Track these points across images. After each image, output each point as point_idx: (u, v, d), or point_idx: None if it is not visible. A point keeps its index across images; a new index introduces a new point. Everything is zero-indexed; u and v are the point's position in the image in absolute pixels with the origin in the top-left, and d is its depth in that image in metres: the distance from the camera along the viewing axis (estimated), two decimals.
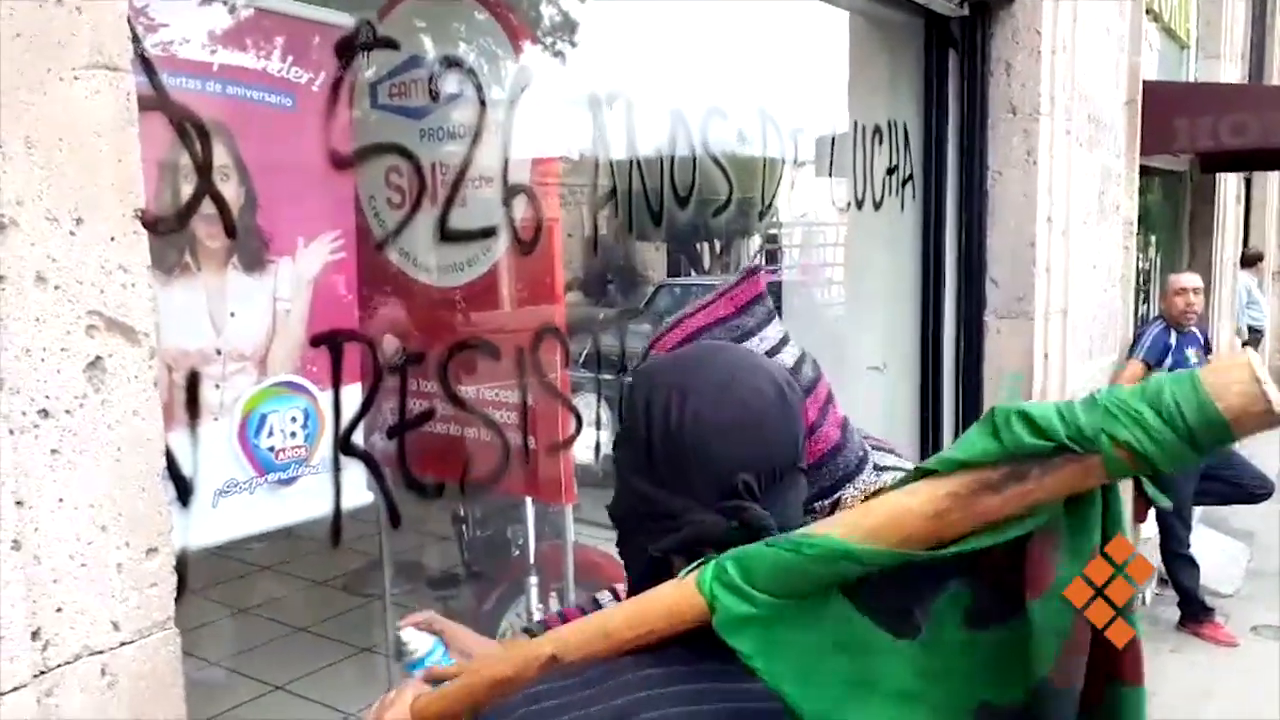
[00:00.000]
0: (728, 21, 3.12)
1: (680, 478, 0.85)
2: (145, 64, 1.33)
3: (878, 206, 3.34)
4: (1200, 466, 4.79)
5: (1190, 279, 4.88)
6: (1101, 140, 4.21)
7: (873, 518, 0.76)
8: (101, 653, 0.94)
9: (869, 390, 3.51)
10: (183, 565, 1.06)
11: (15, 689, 0.86)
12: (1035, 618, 0.76)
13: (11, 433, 0.85)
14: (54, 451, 0.89)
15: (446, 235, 1.92)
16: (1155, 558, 4.91)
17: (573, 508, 2.53)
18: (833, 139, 3.41)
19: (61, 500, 0.89)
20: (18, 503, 0.86)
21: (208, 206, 1.58)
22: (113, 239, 0.92)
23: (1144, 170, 7.01)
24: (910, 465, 0.94)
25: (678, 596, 0.80)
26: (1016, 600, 0.77)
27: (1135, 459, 0.70)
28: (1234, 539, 6.23)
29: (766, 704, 0.76)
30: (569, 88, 2.40)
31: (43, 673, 0.89)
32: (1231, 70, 7.62)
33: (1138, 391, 0.71)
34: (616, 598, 1.37)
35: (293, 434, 1.85)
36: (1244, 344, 8.84)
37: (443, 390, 1.93)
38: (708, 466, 0.84)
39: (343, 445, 1.70)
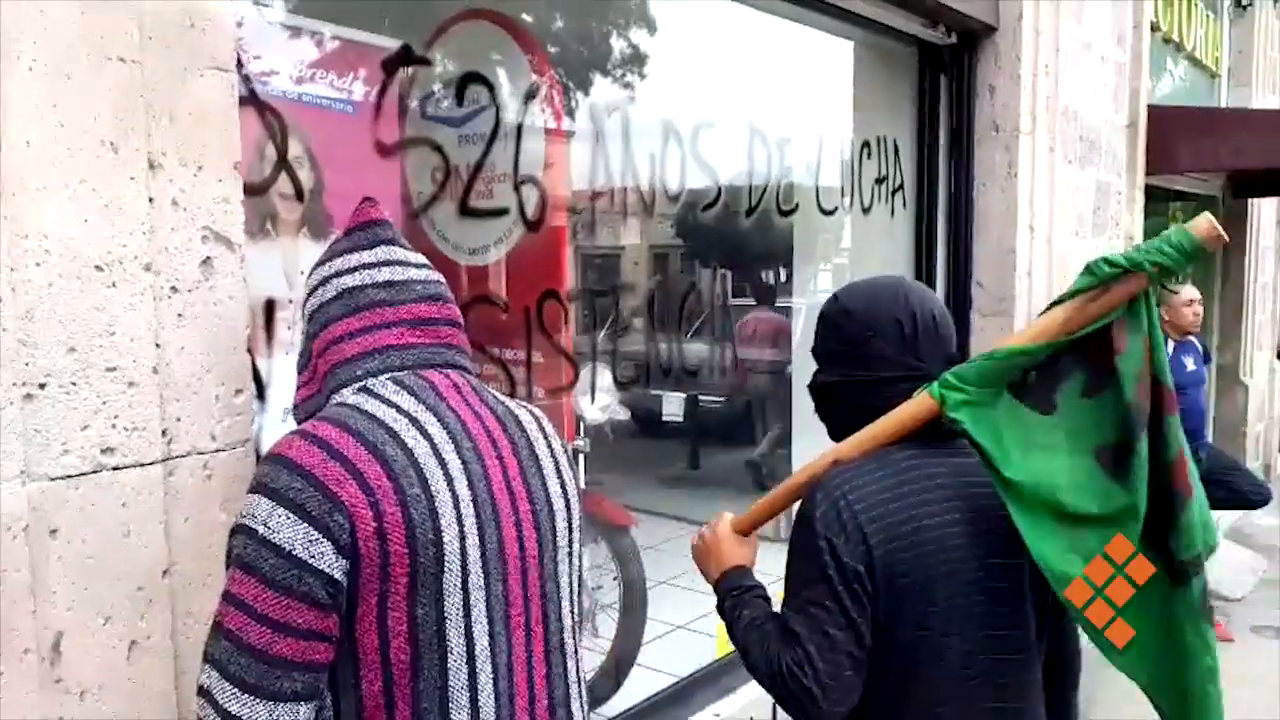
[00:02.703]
0: (736, 45, 3.58)
1: (929, 352, 1.42)
2: (245, 77, 1.83)
3: (866, 211, 3.75)
4: (1200, 472, 5.03)
5: (1193, 291, 5.12)
6: (1096, 159, 4.54)
7: (1032, 331, 1.35)
8: (204, 454, 1.41)
9: None
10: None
11: (151, 463, 1.34)
12: (1120, 366, 1.30)
13: (155, 299, 1.34)
14: (179, 315, 1.37)
15: (469, 213, 2.41)
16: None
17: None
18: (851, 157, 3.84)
19: (183, 348, 1.37)
20: (156, 344, 1.34)
21: (285, 186, 2.08)
22: (220, 180, 1.41)
23: (1175, 195, 7.26)
24: None
25: (918, 405, 1.37)
26: (1111, 374, 1.31)
27: (1161, 270, 1.28)
28: (1256, 552, 6.39)
29: (973, 459, 1.35)
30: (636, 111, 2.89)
31: (167, 459, 1.36)
32: (1268, 98, 7.81)
33: (1160, 239, 1.30)
34: None
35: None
36: None
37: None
38: (946, 344, 1.45)
39: None
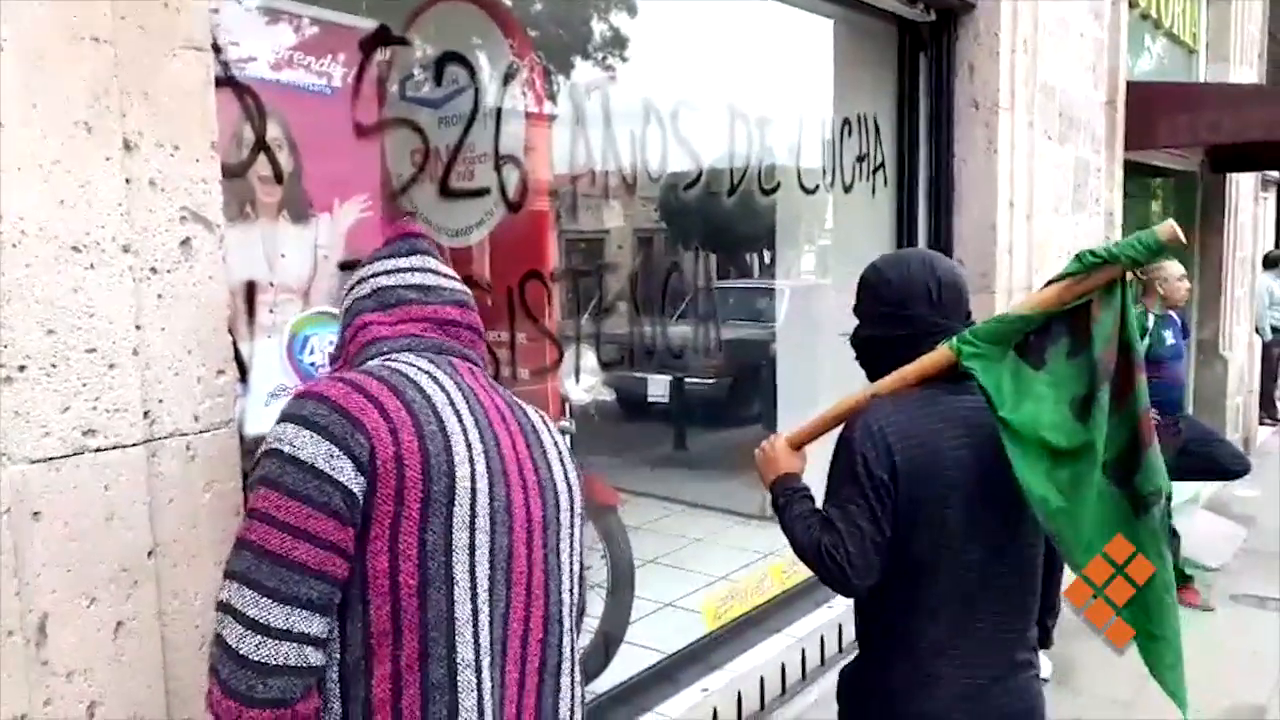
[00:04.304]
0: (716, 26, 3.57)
1: (951, 312, 1.77)
2: (224, 62, 1.83)
3: (847, 190, 3.76)
4: (1180, 444, 5.09)
5: (1181, 267, 5.17)
6: (1075, 135, 4.56)
7: (1032, 301, 1.72)
8: (187, 435, 1.41)
9: (848, 353, 3.91)
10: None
11: (134, 444, 1.34)
12: (1094, 330, 1.65)
13: (134, 280, 1.34)
14: (159, 296, 1.37)
15: (450, 194, 2.40)
16: None
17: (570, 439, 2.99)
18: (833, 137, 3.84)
19: (163, 329, 1.37)
20: (137, 326, 1.34)
21: (263, 168, 2.07)
22: (197, 160, 1.40)
23: (1153, 171, 7.29)
24: None
25: (940, 355, 1.71)
26: (1088, 338, 1.65)
27: (1133, 262, 1.60)
28: (1235, 522, 6.47)
29: (980, 401, 1.66)
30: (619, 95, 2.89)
31: (149, 440, 1.36)
32: (1245, 73, 7.84)
33: (1133, 237, 1.61)
34: None
35: (329, 354, 2.33)
36: (1265, 345, 8.98)
37: None
38: (964, 304, 1.80)
39: None
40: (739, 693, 2.97)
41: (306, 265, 2.28)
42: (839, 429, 1.82)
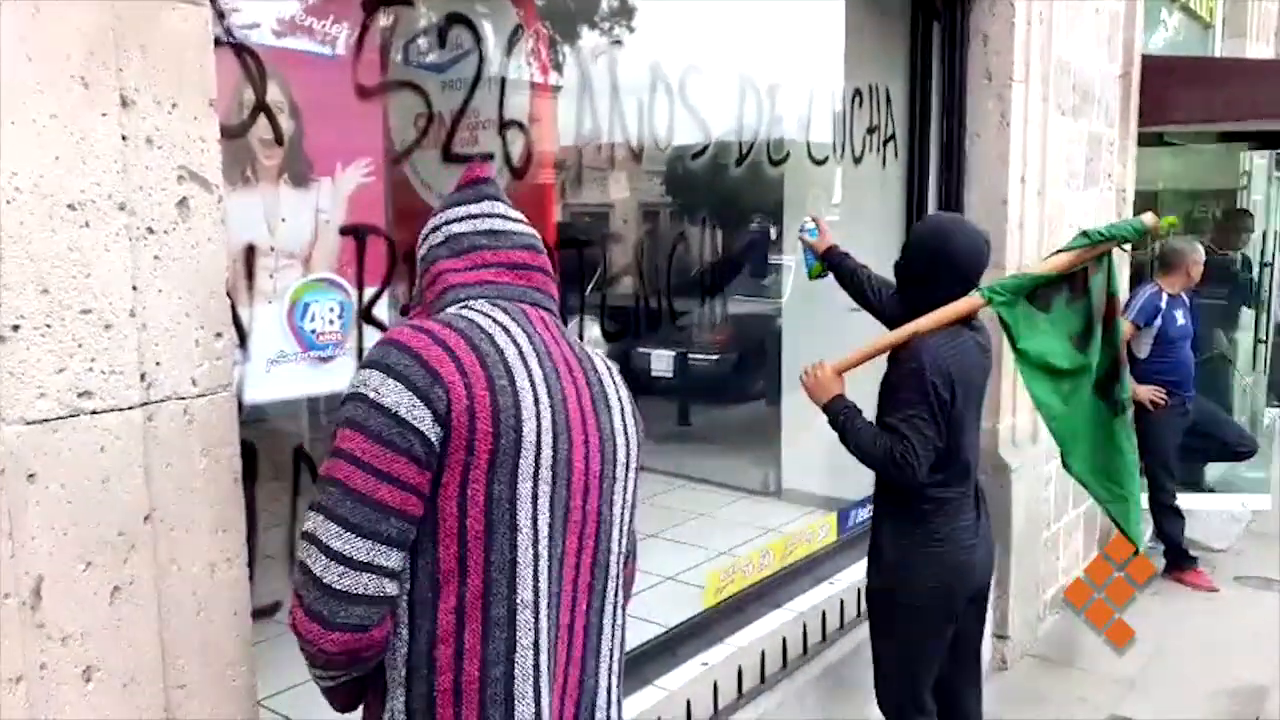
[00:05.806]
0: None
1: (965, 267, 2.44)
2: (228, 28, 1.79)
3: (857, 161, 3.70)
4: (1187, 424, 5.06)
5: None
6: (1089, 110, 4.50)
7: (1046, 265, 2.55)
8: (185, 399, 1.39)
9: (854, 329, 3.87)
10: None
11: (130, 407, 1.32)
12: (1090, 285, 2.51)
13: (130, 240, 1.31)
14: (156, 257, 1.34)
15: (453, 159, 2.37)
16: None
17: None
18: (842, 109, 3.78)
19: (160, 290, 1.35)
20: (133, 287, 1.32)
21: (264, 131, 2.04)
22: (195, 119, 1.37)
23: (1167, 144, 7.19)
24: None
25: (970, 301, 2.43)
26: (1085, 290, 2.50)
27: (1123, 239, 2.48)
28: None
29: (982, 337, 2.50)
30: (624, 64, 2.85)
31: (146, 403, 1.34)
32: (1262, 49, 7.74)
33: (1125, 221, 2.55)
34: None
35: (331, 321, 2.29)
36: (1275, 325, 8.90)
37: None
38: (978, 266, 2.46)
39: (365, 316, 2.16)
40: (739, 666, 2.96)
41: (307, 230, 2.25)
42: (880, 359, 2.47)
